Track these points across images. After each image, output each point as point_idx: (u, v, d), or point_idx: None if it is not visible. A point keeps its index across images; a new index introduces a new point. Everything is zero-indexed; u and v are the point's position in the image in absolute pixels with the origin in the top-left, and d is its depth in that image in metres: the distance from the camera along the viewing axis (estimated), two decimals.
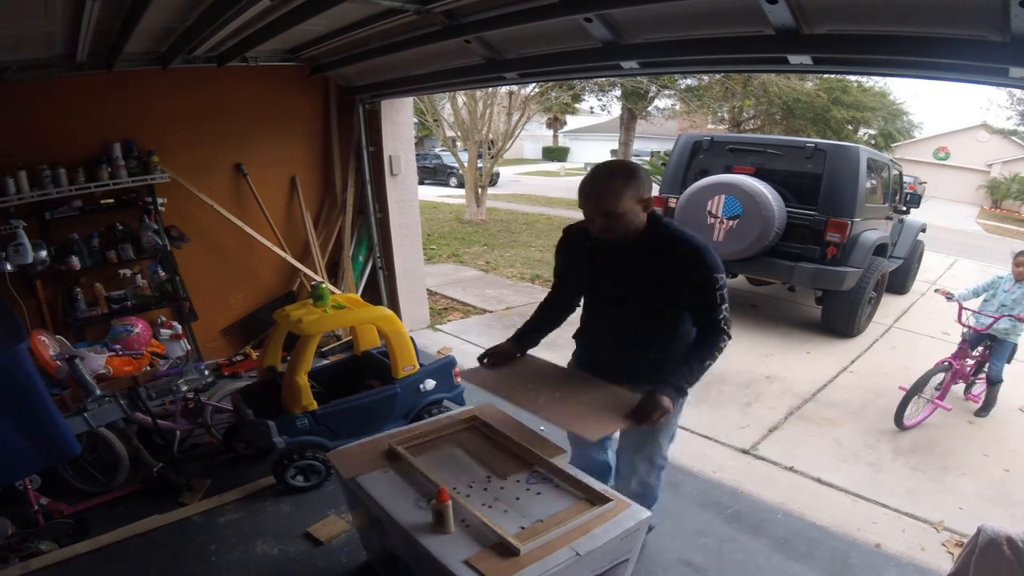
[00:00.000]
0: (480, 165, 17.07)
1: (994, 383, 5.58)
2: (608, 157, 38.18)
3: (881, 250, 7.95)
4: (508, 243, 13.87)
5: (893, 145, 32.29)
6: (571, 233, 3.13)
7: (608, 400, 2.79)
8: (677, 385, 2.72)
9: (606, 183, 2.66)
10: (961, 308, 5.63)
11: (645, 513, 2.54)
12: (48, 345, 4.41)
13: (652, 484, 3.25)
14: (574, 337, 3.30)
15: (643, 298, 2.87)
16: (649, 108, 22.68)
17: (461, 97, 16.32)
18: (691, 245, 2.71)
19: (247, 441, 4.55)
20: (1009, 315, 5.35)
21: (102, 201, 5.31)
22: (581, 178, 2.72)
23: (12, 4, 3.48)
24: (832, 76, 20.88)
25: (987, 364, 5.60)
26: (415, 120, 9.16)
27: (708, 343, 2.79)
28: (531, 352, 3.35)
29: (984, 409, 5.65)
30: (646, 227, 2.76)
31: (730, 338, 2.80)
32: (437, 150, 30.28)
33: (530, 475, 2.77)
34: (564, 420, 2.70)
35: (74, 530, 3.68)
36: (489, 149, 17.18)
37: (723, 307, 2.74)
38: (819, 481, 4.53)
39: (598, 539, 2.38)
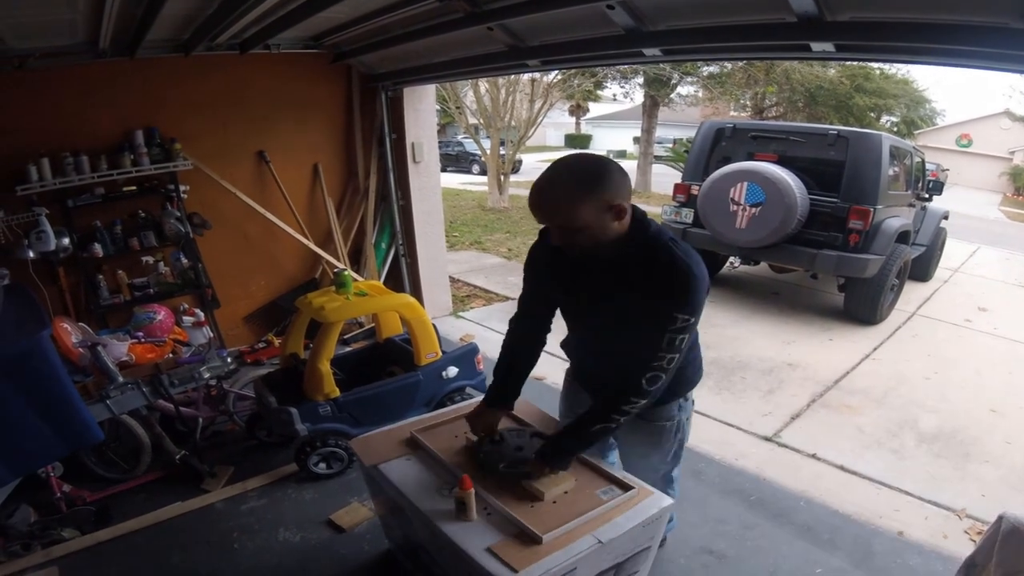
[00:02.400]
0: (503, 152, 17.04)
1: None
2: (631, 145, 38.26)
3: (904, 237, 7.87)
4: (530, 230, 13.66)
5: (916, 132, 31.85)
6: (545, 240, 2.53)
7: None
8: (556, 448, 2.52)
9: (556, 191, 2.17)
10: None
11: (667, 500, 2.51)
12: (71, 332, 4.42)
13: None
14: (561, 346, 2.92)
15: (625, 316, 2.37)
16: (671, 95, 22.51)
17: (483, 84, 16.27)
18: (676, 265, 2.19)
19: (269, 428, 4.56)
20: None
21: (124, 188, 5.31)
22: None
23: None
24: (855, 63, 20.64)
25: None
26: (437, 107, 9.14)
27: (610, 396, 2.38)
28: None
29: None
30: (628, 235, 2.28)
31: (643, 399, 2.31)
32: (460, 137, 30.28)
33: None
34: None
35: (96, 517, 3.70)
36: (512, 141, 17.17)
37: (663, 356, 2.24)
38: (842, 468, 4.50)
39: (620, 527, 2.35)
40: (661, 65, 17.25)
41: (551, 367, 3.42)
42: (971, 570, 2.58)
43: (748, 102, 25.56)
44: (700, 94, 24.11)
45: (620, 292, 2.34)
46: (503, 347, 2.84)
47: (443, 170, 8.77)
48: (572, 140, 51.09)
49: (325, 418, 4.09)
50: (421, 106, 6.91)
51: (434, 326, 4.54)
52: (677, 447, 2.86)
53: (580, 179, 2.15)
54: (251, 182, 6.12)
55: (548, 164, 2.24)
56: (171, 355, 4.83)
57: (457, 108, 17.53)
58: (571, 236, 2.21)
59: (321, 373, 4.02)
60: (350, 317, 4.63)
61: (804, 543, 3.66)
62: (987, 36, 2.59)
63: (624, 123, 43.88)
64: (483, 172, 21.11)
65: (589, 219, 2.15)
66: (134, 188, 5.35)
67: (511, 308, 2.88)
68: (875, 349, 6.86)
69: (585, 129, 52.55)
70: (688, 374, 2.69)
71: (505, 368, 2.84)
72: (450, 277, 8.26)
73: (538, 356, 2.85)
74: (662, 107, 22.82)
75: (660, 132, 24.51)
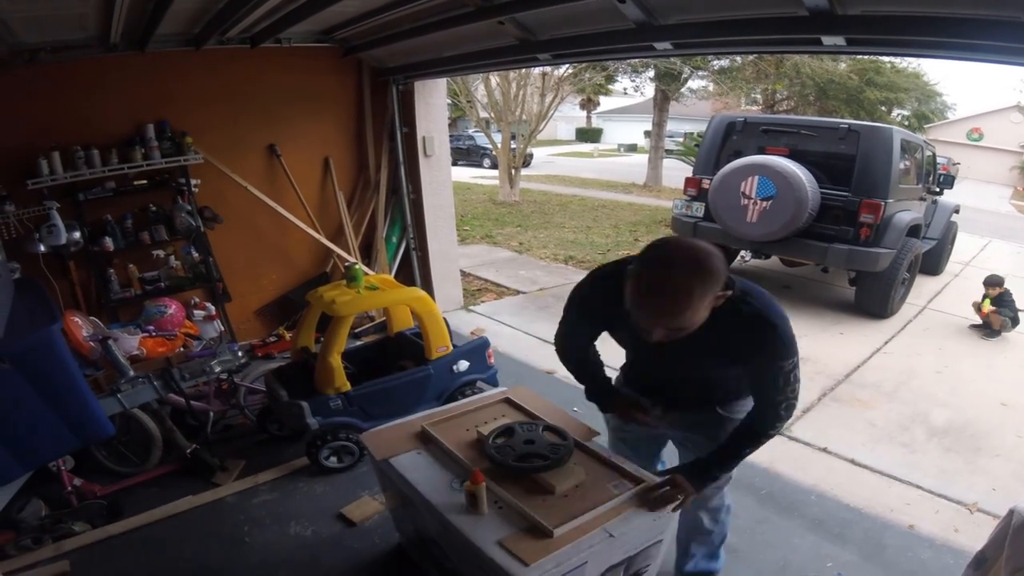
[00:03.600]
0: (514, 146, 17.02)
1: None
2: (641, 139, 38.14)
3: (915, 231, 7.83)
4: (541, 224, 13.77)
5: (926, 126, 31.62)
6: (608, 288, 2.28)
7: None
8: (706, 471, 2.45)
9: (678, 300, 1.94)
10: None
11: None
12: (81, 326, 4.43)
13: (714, 532, 3.01)
14: (621, 369, 2.92)
15: (700, 368, 2.43)
16: (682, 89, 22.42)
17: (494, 78, 16.26)
18: (759, 323, 2.17)
19: (280, 422, 4.55)
20: None
21: (135, 182, 5.33)
22: (644, 283, 1.96)
23: None
24: (865, 57, 20.53)
25: None
26: (448, 101, 9.14)
27: (755, 429, 2.40)
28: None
29: None
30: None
31: (784, 423, 2.41)
32: (471, 131, 30.23)
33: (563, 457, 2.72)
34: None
35: (107, 511, 3.71)
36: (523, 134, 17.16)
37: (785, 393, 2.29)
38: (852, 462, 4.48)
39: (631, 520, 2.34)
40: (672, 59, 17.20)
41: (558, 363, 3.39)
42: (981, 564, 2.56)
43: (759, 96, 25.45)
44: (711, 88, 24.06)
45: (708, 355, 2.28)
46: (574, 365, 2.81)
47: (454, 164, 8.74)
48: (583, 134, 51.07)
49: (336, 412, 4.08)
50: (432, 100, 6.90)
51: (445, 320, 4.53)
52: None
53: (698, 280, 1.95)
54: (262, 176, 6.12)
55: (652, 259, 1.98)
56: (182, 349, 4.84)
57: (468, 102, 17.56)
58: (679, 333, 2.05)
59: (332, 367, 4.02)
60: (361, 311, 4.63)
61: (815, 537, 3.64)
62: (996, 30, 2.60)
63: (635, 117, 43.77)
64: (494, 166, 21.08)
65: (703, 316, 2.02)
66: (145, 182, 5.37)
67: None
68: (886, 343, 6.83)
69: (596, 123, 52.53)
70: None
71: (590, 376, 2.80)
72: (461, 271, 8.25)
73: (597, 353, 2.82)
74: (673, 101, 22.72)
75: (671, 126, 24.40)
